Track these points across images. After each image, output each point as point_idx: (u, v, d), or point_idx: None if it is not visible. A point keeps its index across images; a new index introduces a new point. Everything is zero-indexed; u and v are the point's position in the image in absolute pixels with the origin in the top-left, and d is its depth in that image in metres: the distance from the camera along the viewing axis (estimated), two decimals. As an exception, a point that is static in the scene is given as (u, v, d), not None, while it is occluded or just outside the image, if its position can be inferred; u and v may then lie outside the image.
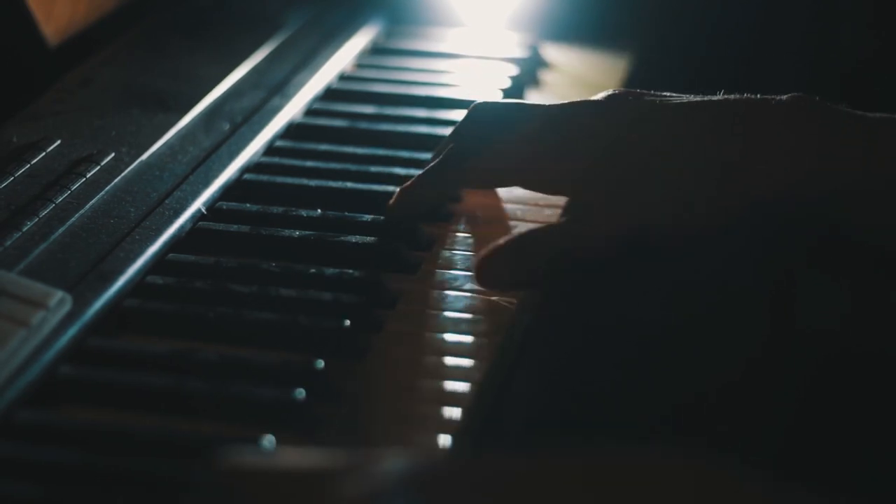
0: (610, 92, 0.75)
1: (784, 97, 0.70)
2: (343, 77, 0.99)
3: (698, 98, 0.72)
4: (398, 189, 0.78)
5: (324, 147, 0.87)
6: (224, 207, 0.79)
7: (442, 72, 1.00)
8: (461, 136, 0.78)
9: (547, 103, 0.77)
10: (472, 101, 0.94)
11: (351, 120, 0.91)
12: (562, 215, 0.79)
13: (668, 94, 0.73)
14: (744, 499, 0.44)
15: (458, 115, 0.92)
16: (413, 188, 0.77)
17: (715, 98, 0.72)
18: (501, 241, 0.71)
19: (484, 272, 0.71)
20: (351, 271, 0.72)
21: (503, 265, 0.70)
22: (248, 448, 0.56)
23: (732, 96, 0.71)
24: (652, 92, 0.74)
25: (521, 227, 0.75)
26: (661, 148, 0.70)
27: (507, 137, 0.75)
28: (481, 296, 0.72)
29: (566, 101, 0.76)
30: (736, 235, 0.69)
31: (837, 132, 0.68)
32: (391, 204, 0.77)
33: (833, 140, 0.68)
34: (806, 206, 0.68)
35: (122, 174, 0.78)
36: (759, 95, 0.71)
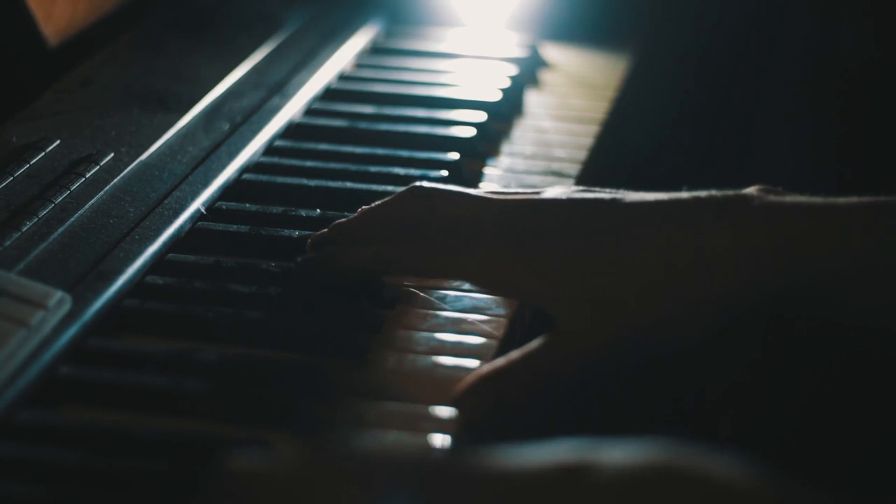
0: (562, 193, 0.69)
1: (749, 189, 0.67)
2: (343, 77, 0.99)
3: (651, 198, 0.67)
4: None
5: (323, 147, 0.87)
6: (223, 207, 0.79)
7: (441, 72, 1.00)
8: (397, 213, 0.70)
9: (493, 194, 0.70)
10: (472, 101, 0.95)
11: (350, 120, 0.91)
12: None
13: (622, 192, 0.68)
14: (749, 497, 0.44)
15: (458, 115, 0.92)
16: (337, 254, 0.70)
17: (678, 197, 0.67)
18: (483, 369, 0.65)
19: (463, 405, 0.63)
20: (351, 271, 0.72)
21: (484, 398, 0.64)
22: (249, 449, 0.56)
23: (689, 195, 0.67)
24: (606, 190, 0.69)
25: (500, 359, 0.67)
26: (623, 255, 0.65)
27: (455, 229, 0.68)
28: (481, 295, 0.72)
29: (521, 197, 0.69)
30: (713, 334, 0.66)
31: (812, 221, 0.66)
32: (304, 262, 0.71)
33: (809, 230, 0.65)
34: (791, 297, 0.65)
35: (122, 174, 0.78)
36: (720, 192, 0.66)
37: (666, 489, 0.45)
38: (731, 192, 0.66)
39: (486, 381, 0.64)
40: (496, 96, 0.95)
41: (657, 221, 0.66)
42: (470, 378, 0.64)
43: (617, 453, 0.47)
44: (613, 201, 0.67)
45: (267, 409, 0.61)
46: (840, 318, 0.68)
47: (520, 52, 1.03)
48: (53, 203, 0.74)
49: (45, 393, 0.62)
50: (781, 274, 0.65)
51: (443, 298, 0.72)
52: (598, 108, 0.99)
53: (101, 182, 0.77)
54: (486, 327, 0.69)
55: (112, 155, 0.80)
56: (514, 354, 0.65)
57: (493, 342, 0.68)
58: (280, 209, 0.78)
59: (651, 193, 0.68)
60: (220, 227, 0.76)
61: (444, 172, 0.83)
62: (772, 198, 0.66)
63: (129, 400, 0.62)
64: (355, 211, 0.78)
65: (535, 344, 0.65)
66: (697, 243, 0.65)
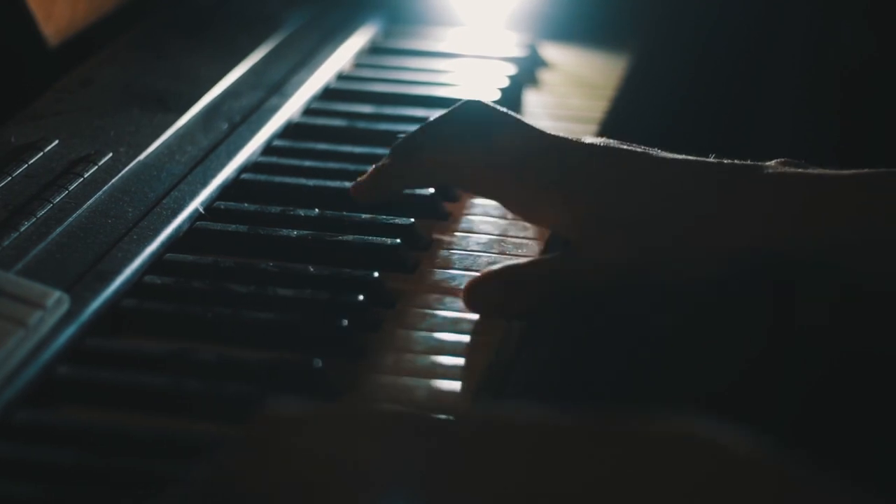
0: (604, 140, 0.74)
1: (771, 162, 0.71)
2: (341, 77, 0.99)
3: (688, 158, 0.72)
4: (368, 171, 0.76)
5: (322, 146, 0.87)
6: (222, 207, 0.79)
7: (440, 71, 1.00)
8: (446, 125, 0.74)
9: (539, 128, 0.74)
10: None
11: (349, 119, 0.91)
12: (551, 250, 0.77)
13: (657, 150, 0.73)
14: (762, 471, 0.44)
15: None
16: (384, 170, 0.75)
17: (704, 160, 0.71)
18: (496, 267, 0.71)
19: (473, 295, 0.70)
20: (349, 271, 0.72)
21: (494, 292, 0.70)
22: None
23: (724, 160, 0.71)
24: (641, 147, 0.73)
25: (515, 260, 0.74)
26: (651, 199, 0.70)
27: (492, 144, 0.72)
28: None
29: (562, 136, 0.74)
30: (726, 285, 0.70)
31: (819, 192, 0.69)
32: (356, 187, 0.76)
33: (816, 200, 0.69)
34: (797, 261, 0.69)
35: (120, 174, 0.78)
36: (741, 161, 0.71)
37: (681, 454, 0.45)
38: (751, 162, 0.71)
39: (499, 275, 0.70)
40: (495, 96, 0.95)
41: (682, 175, 0.70)
42: (483, 272, 0.70)
43: (636, 420, 0.47)
44: (646, 154, 0.72)
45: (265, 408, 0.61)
46: (845, 282, 0.72)
47: (519, 52, 1.03)
48: (52, 203, 0.74)
49: (43, 393, 0.62)
50: (787, 240, 0.68)
51: (443, 298, 0.72)
52: (597, 107, 0.99)
53: (100, 182, 0.77)
54: (485, 327, 0.69)
55: (111, 155, 0.80)
56: (527, 259, 0.72)
57: (493, 342, 0.68)
58: (278, 209, 0.78)
59: (678, 155, 0.72)
60: (219, 226, 0.76)
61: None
62: (787, 169, 0.70)
63: (128, 400, 0.62)
64: (354, 210, 0.78)
65: (549, 255, 0.72)
66: (717, 200, 0.69)
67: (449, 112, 0.75)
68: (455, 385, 0.65)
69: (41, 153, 0.79)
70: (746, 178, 0.70)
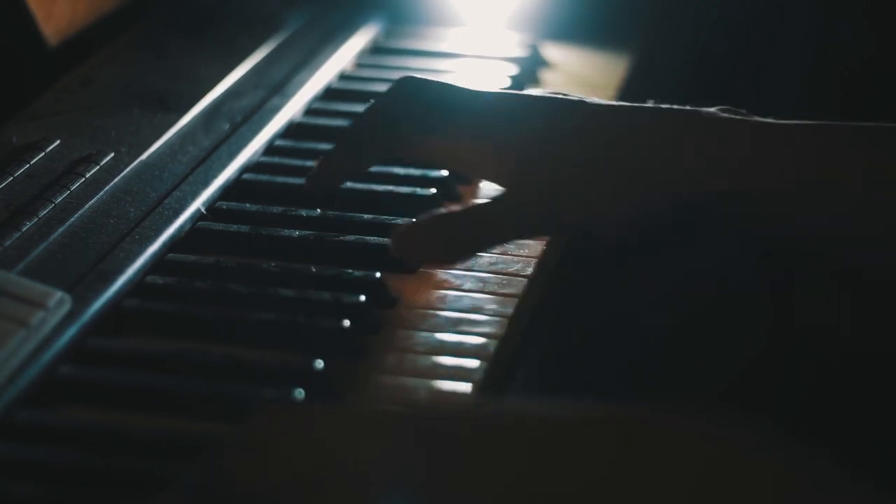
0: (541, 91, 0.77)
1: (710, 109, 0.73)
2: (343, 76, 0.99)
3: (629, 105, 0.74)
4: (318, 162, 0.77)
5: (324, 147, 0.87)
6: (224, 207, 0.79)
7: (442, 71, 1.00)
8: (388, 106, 0.76)
9: (473, 88, 0.76)
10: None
11: (351, 119, 0.91)
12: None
13: (592, 98, 0.75)
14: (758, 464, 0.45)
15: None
16: (335, 158, 0.77)
17: (645, 106, 0.74)
18: (425, 216, 0.72)
19: (400, 242, 0.72)
20: (350, 271, 0.72)
21: (425, 239, 0.72)
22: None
23: (662, 105, 0.73)
24: (577, 96, 0.76)
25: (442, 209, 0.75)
26: (589, 150, 0.72)
27: (441, 117, 0.74)
28: (481, 295, 0.72)
29: (500, 91, 0.77)
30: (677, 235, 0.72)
31: (759, 139, 0.71)
32: (309, 180, 0.77)
33: (756, 146, 0.71)
34: (737, 207, 0.70)
35: (122, 174, 0.78)
36: (679, 107, 0.73)
37: (682, 446, 0.45)
38: (689, 108, 0.73)
39: (427, 221, 0.72)
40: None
41: (614, 123, 0.73)
42: (412, 221, 0.72)
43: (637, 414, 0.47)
44: (581, 102, 0.74)
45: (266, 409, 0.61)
46: (791, 237, 0.72)
47: (520, 52, 1.03)
48: (53, 203, 0.74)
49: (44, 393, 0.62)
50: (719, 182, 0.70)
51: (443, 298, 0.72)
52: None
53: (102, 182, 0.77)
54: (485, 327, 0.69)
55: (112, 155, 0.80)
56: (455, 207, 0.74)
57: (493, 342, 0.68)
58: (280, 209, 0.78)
59: (615, 102, 0.75)
60: (221, 226, 0.76)
61: (445, 172, 0.83)
62: (726, 115, 0.72)
63: (129, 400, 0.62)
64: (355, 211, 0.78)
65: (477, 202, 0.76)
66: (645, 142, 0.71)
67: (388, 93, 0.76)
68: (455, 385, 0.65)
69: (43, 153, 0.79)
70: (685, 123, 0.72)
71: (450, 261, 0.74)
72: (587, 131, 0.72)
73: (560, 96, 0.75)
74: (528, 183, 0.72)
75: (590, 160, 0.71)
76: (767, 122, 0.72)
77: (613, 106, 0.74)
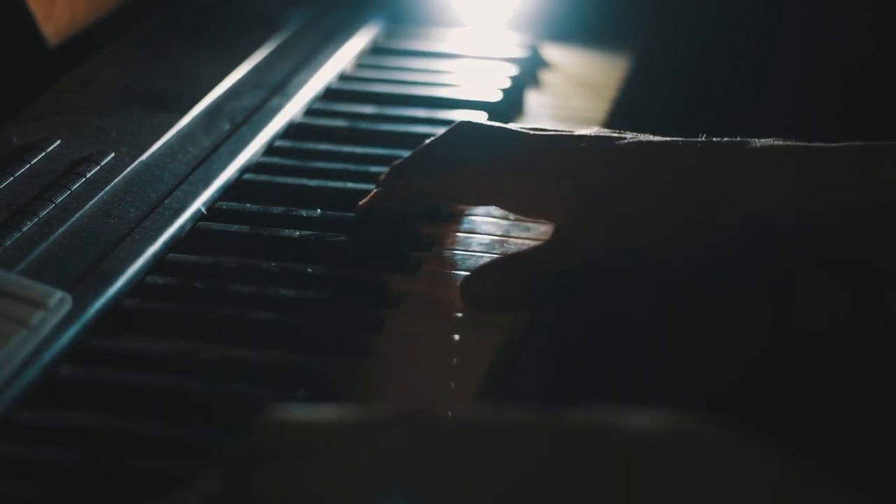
0: (596, 129, 0.76)
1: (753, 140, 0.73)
2: (343, 77, 0.99)
3: (681, 140, 0.74)
4: (374, 189, 0.78)
5: (324, 147, 0.87)
6: (224, 207, 0.79)
7: (442, 72, 1.00)
8: (444, 147, 0.77)
9: (532, 130, 0.76)
10: (473, 101, 0.95)
11: (351, 120, 0.91)
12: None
13: (648, 135, 0.75)
14: (763, 466, 0.45)
15: (458, 115, 0.92)
16: (390, 192, 0.77)
17: (697, 140, 0.73)
18: (485, 263, 0.72)
19: (469, 291, 0.71)
20: (351, 272, 0.72)
21: (488, 285, 0.71)
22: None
23: (715, 139, 0.73)
24: (632, 133, 0.75)
25: (507, 250, 0.76)
26: (643, 183, 0.72)
27: (493, 157, 0.75)
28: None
29: (554, 132, 0.76)
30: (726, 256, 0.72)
31: (823, 163, 0.71)
32: (364, 204, 0.77)
33: (820, 170, 0.70)
34: (799, 230, 0.70)
35: (122, 174, 0.78)
36: (737, 137, 0.73)
37: (681, 448, 0.45)
38: (737, 139, 0.73)
39: (490, 267, 0.72)
40: (497, 97, 0.95)
41: (675, 158, 0.72)
42: (474, 269, 0.72)
43: (637, 418, 0.47)
44: (637, 141, 0.73)
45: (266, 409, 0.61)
46: (848, 255, 0.72)
47: (520, 53, 1.03)
48: (54, 203, 0.74)
49: (45, 393, 0.62)
50: (777, 212, 0.70)
51: (443, 298, 0.72)
52: (598, 108, 0.99)
53: (102, 182, 0.77)
54: (486, 327, 0.69)
55: (112, 155, 0.80)
56: (516, 249, 0.75)
57: (494, 342, 0.68)
58: (281, 209, 0.78)
59: (668, 138, 0.74)
60: (221, 227, 0.76)
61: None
62: (773, 141, 0.72)
63: (130, 400, 0.62)
64: (355, 211, 0.78)
65: (536, 245, 0.74)
66: (709, 176, 0.71)
67: (452, 133, 0.77)
68: (456, 385, 0.65)
69: (43, 153, 0.79)
70: (737, 154, 0.71)
71: (516, 305, 0.72)
72: (656, 167, 0.72)
73: (616, 135, 0.75)
74: (595, 218, 0.71)
75: (656, 192, 0.71)
76: (821, 147, 0.72)
77: (678, 142, 0.74)
